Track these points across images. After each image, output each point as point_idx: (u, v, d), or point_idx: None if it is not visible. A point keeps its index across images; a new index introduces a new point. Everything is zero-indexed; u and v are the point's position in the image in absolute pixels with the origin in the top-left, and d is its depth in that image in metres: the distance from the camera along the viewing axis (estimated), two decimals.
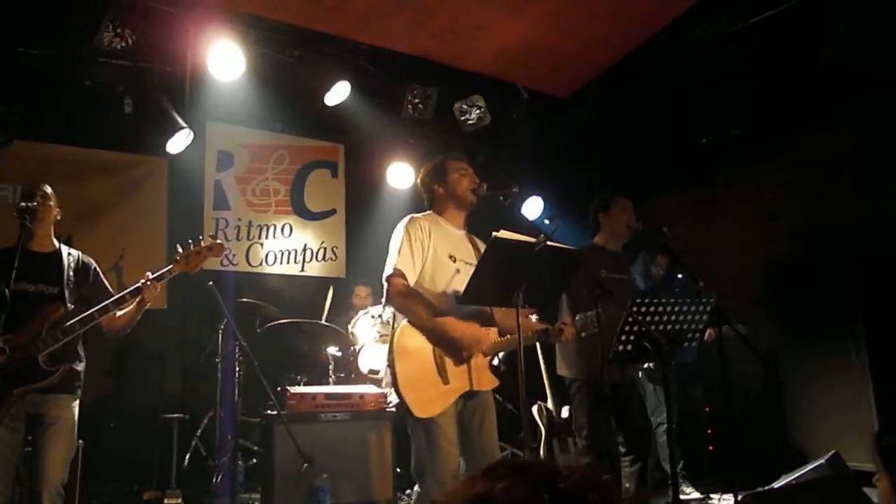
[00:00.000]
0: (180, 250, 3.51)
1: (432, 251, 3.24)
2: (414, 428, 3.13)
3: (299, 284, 6.76)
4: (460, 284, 3.18)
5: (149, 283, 3.41)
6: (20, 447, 3.34)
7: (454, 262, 3.27)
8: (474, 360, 3.19)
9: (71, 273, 3.53)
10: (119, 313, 3.48)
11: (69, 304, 3.45)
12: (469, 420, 3.22)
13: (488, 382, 3.27)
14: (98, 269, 3.69)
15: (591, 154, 6.95)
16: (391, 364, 3.09)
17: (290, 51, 5.53)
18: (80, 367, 3.52)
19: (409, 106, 5.94)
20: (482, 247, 3.37)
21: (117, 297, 3.40)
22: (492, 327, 3.30)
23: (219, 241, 3.63)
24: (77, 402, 3.48)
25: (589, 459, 3.93)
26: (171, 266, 3.48)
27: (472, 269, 3.15)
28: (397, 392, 3.07)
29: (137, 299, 3.43)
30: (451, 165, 3.43)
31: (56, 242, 3.59)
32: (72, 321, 3.33)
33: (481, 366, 3.23)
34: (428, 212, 3.44)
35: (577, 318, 3.44)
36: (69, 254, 3.59)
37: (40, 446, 3.30)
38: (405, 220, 3.31)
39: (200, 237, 3.58)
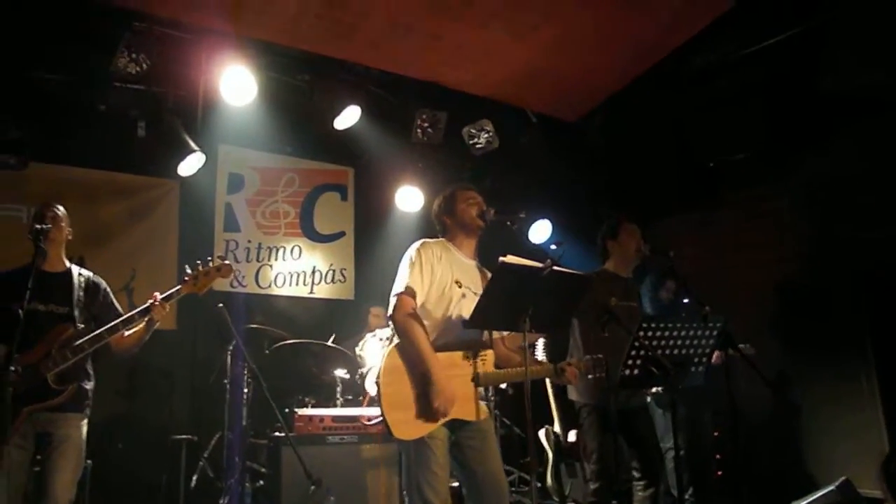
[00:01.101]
0: (189, 271, 3.56)
1: (440, 276, 3.27)
2: (405, 448, 3.12)
3: (308, 306, 6.79)
4: (465, 311, 3.20)
5: (157, 303, 3.45)
6: (29, 465, 3.36)
7: (460, 287, 3.29)
8: (463, 390, 3.14)
9: (81, 293, 3.57)
10: (127, 333, 3.51)
11: (79, 324, 3.49)
12: (467, 448, 3.18)
13: (477, 413, 3.20)
14: (108, 288, 3.73)
15: (598, 177, 7.00)
16: (378, 382, 3.09)
17: (301, 76, 5.62)
18: (89, 385, 3.56)
19: (419, 130, 6.00)
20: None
21: (126, 317, 3.46)
22: (487, 350, 3.29)
23: (227, 261, 3.66)
24: (86, 420, 3.51)
25: (597, 485, 3.92)
26: (179, 287, 3.52)
27: (477, 298, 3.17)
28: (381, 411, 3.07)
29: (146, 319, 3.47)
30: (460, 196, 3.46)
31: (67, 262, 3.64)
32: (81, 341, 3.37)
33: (470, 396, 3.18)
34: (441, 238, 3.48)
35: (585, 358, 3.43)
36: (80, 274, 3.64)
37: (49, 465, 3.32)
38: (417, 243, 3.34)
39: (209, 258, 3.62)
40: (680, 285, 5.29)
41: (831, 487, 4.07)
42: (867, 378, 5.27)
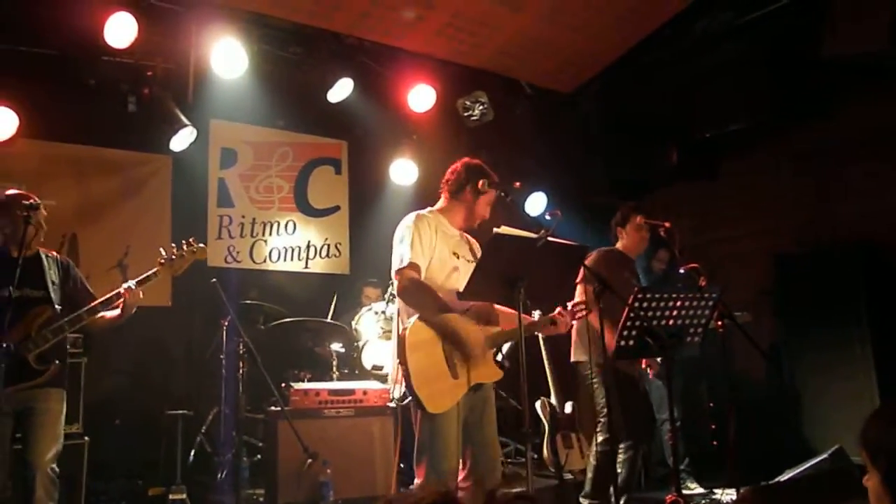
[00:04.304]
0: (163, 254, 3.65)
1: (439, 248, 3.25)
2: (421, 420, 3.13)
3: (303, 281, 6.77)
4: (459, 282, 3.18)
5: (129, 290, 3.51)
6: (11, 441, 3.44)
7: (457, 258, 3.30)
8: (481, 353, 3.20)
9: (53, 275, 3.63)
10: (106, 314, 3.57)
11: (56, 306, 3.54)
12: (469, 413, 3.22)
13: (493, 375, 3.29)
14: (78, 271, 3.79)
15: (594, 149, 6.94)
16: (403, 361, 3.06)
17: (293, 48, 5.54)
18: (66, 360, 3.65)
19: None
20: (476, 246, 3.44)
21: (104, 298, 3.52)
22: (493, 327, 3.30)
23: (202, 244, 3.77)
24: (64, 394, 3.60)
25: (607, 435, 4.13)
26: (155, 269, 3.61)
27: (471, 267, 3.16)
28: (410, 389, 3.03)
29: (120, 303, 3.52)
30: (486, 187, 3.35)
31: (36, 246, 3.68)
32: (60, 322, 3.45)
33: (487, 358, 3.24)
34: (434, 209, 3.44)
35: (569, 306, 3.47)
36: (47, 257, 3.69)
37: (31, 437, 3.40)
38: (411, 215, 3.31)
39: (183, 241, 3.72)
40: (673, 257, 5.30)
41: (824, 455, 4.11)
42: (861, 346, 5.30)
